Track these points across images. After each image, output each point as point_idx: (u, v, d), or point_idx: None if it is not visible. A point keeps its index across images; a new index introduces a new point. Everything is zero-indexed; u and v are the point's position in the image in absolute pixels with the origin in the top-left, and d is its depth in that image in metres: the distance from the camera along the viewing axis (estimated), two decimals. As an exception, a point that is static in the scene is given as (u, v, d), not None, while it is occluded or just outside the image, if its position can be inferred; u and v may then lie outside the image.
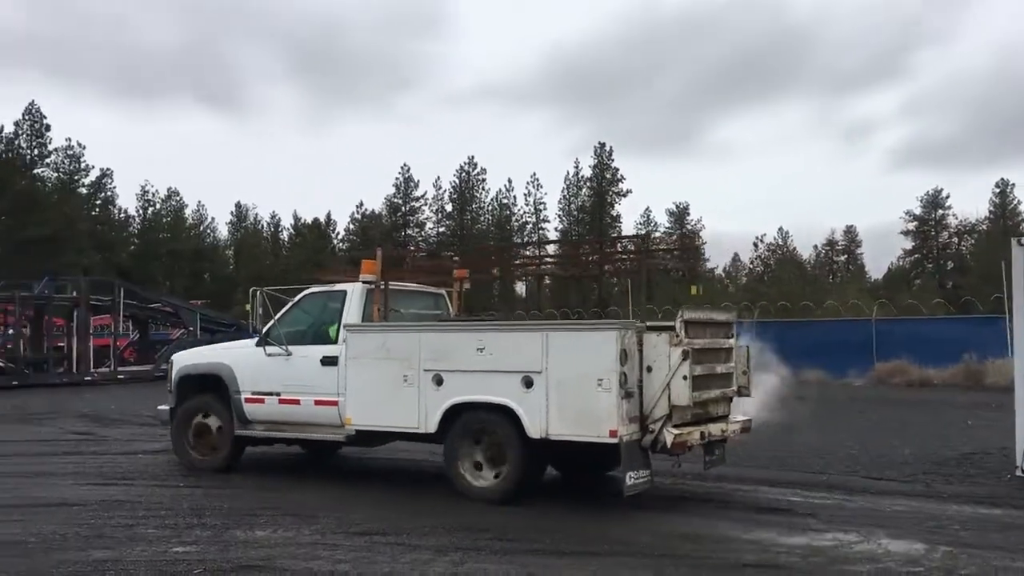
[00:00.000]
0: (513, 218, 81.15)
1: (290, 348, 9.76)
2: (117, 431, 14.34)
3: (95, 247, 69.45)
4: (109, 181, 74.76)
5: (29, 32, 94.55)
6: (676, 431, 7.77)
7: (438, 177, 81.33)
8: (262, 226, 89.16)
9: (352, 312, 9.57)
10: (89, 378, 25.48)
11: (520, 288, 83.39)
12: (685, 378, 7.72)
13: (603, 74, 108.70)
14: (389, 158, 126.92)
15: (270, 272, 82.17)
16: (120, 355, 28.48)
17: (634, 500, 7.85)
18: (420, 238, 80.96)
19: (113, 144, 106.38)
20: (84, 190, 72.99)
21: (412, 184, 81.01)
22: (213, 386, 10.24)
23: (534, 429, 8.02)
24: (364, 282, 9.70)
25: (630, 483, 7.62)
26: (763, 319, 27.80)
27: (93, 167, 72.83)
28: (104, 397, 21.49)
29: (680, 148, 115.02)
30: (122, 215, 79.29)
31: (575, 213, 79.21)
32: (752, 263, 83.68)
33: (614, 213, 79.07)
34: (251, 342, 10.35)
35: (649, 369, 7.89)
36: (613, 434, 7.63)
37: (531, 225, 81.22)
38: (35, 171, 69.99)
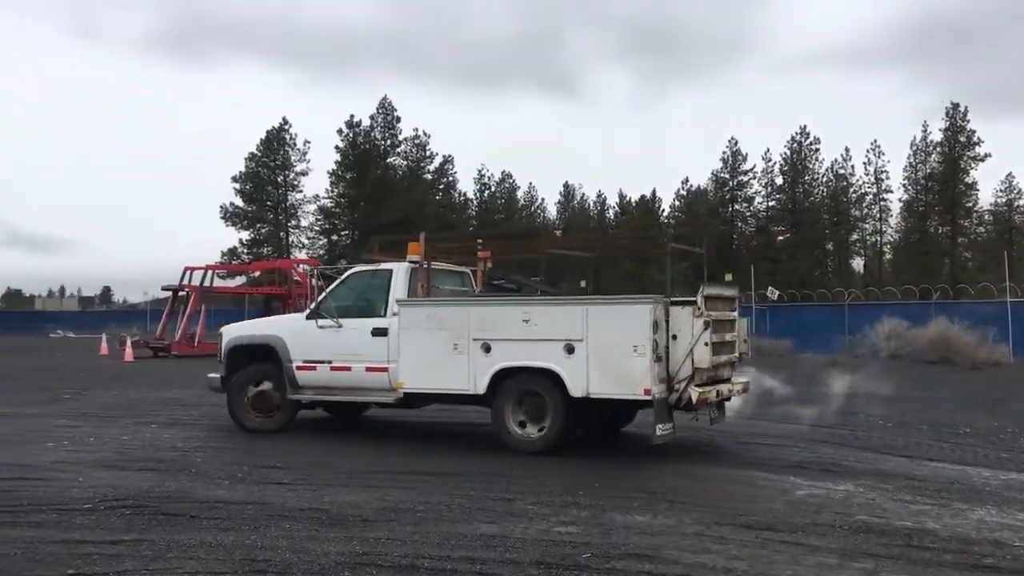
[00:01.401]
0: (851, 189, 75.96)
1: (340, 321, 10.79)
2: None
3: (439, 229, 74.59)
4: (450, 167, 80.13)
5: (384, 30, 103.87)
6: (700, 389, 9.06)
7: (767, 149, 78.11)
8: (588, 205, 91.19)
9: (399, 288, 10.65)
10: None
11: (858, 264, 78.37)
12: (707, 344, 8.96)
13: (955, 27, 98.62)
14: (716, 132, 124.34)
15: (596, 250, 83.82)
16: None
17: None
18: (748, 213, 78.38)
19: (454, 132, 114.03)
20: (429, 176, 78.75)
21: (740, 158, 78.41)
22: (263, 356, 11.31)
23: (576, 389, 9.20)
24: (411, 262, 10.78)
25: (659, 434, 8.88)
26: None
27: (437, 154, 78.40)
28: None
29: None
30: (461, 198, 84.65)
31: (922, 181, 72.43)
32: None
33: (968, 180, 71.28)
34: (297, 316, 11.66)
35: (675, 337, 9.08)
36: (647, 392, 8.87)
37: (871, 196, 75.62)
38: (388, 160, 76.68)
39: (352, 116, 75.87)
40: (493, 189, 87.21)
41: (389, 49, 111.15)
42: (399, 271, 10.75)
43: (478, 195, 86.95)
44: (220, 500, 7.24)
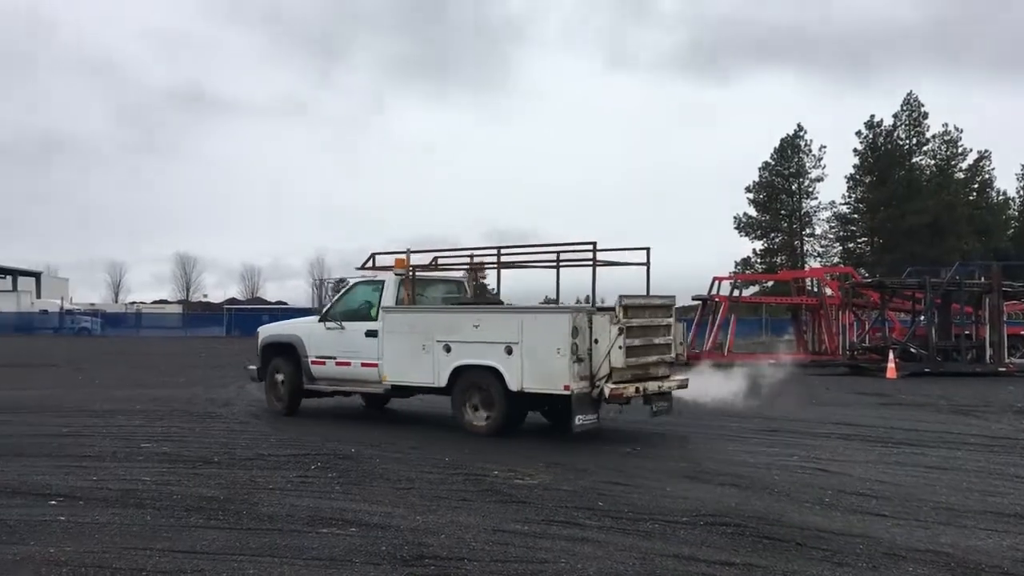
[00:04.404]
0: None
1: (344, 324, 12.74)
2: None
3: (973, 232, 67.54)
4: (987, 163, 71.97)
5: (908, 24, 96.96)
6: (613, 386, 10.37)
7: None
8: None
9: (388, 297, 12.41)
10: (1003, 368, 23.65)
11: None
12: (621, 348, 10.35)
13: None
14: None
15: None
16: (1030, 345, 25.98)
17: None
18: None
19: (992, 124, 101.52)
20: (961, 175, 71.47)
21: None
22: (287, 351, 13.43)
23: (513, 384, 10.75)
24: (396, 274, 12.45)
25: (577, 423, 10.30)
26: None
27: (971, 150, 70.92)
28: (1028, 391, 19.53)
29: None
30: (1001, 197, 75.58)
31: None
32: None
33: None
34: (313, 319, 13.71)
35: (596, 341, 10.49)
36: (566, 388, 10.32)
37: None
38: (913, 160, 71.16)
39: (872, 116, 71.95)
40: (1040, 185, 76.30)
41: (915, 43, 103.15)
42: (388, 281, 12.52)
43: (1021, 192, 76.77)
44: (820, 528, 6.61)
